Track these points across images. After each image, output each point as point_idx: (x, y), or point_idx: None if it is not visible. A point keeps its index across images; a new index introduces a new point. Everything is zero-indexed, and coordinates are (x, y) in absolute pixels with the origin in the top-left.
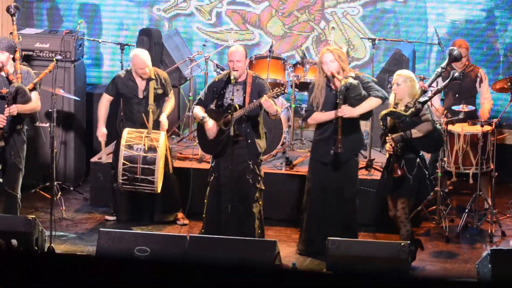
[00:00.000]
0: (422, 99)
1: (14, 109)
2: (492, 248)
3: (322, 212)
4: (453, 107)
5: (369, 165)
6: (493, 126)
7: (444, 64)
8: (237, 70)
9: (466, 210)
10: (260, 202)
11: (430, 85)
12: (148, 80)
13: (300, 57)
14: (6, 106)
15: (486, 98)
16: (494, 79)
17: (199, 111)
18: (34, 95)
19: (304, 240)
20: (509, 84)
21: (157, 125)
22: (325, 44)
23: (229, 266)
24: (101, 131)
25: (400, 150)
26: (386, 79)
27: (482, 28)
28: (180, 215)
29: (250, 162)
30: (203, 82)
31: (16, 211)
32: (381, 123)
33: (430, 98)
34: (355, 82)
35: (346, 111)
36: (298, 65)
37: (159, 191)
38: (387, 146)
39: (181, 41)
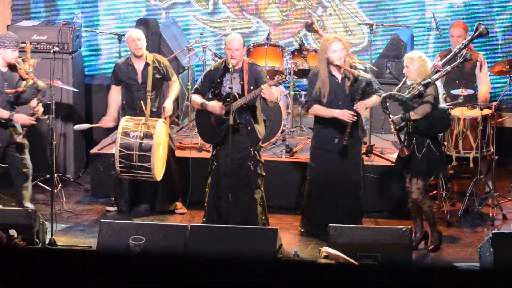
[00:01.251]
0: (424, 82)
1: (41, 108)
2: (493, 231)
3: (330, 200)
4: (452, 91)
5: (369, 151)
6: (493, 110)
7: (466, 41)
8: (235, 59)
9: (467, 194)
10: (262, 188)
11: (444, 65)
12: (146, 64)
13: (298, 44)
14: (34, 107)
15: (485, 83)
16: (492, 62)
17: (197, 98)
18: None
19: (310, 224)
20: (507, 67)
21: (156, 113)
22: (324, 31)
23: (229, 258)
24: (107, 117)
25: (411, 129)
26: (384, 65)
27: (480, 11)
28: (179, 204)
29: (251, 149)
30: (201, 71)
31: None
32: (381, 106)
33: (436, 79)
34: (370, 76)
35: (362, 106)
36: (296, 52)
37: (158, 179)
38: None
39: (179, 31)
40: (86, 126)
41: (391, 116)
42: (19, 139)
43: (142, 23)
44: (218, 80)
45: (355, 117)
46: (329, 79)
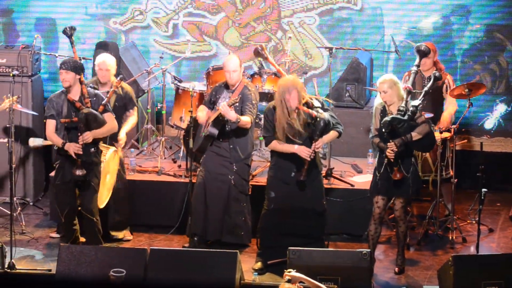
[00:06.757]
0: (414, 103)
1: (88, 136)
2: (453, 254)
3: (290, 230)
4: None
5: (329, 174)
6: (452, 133)
7: (416, 61)
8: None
9: (427, 217)
10: (245, 204)
11: (413, 85)
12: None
13: (257, 67)
14: (79, 134)
15: (451, 104)
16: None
17: (200, 110)
18: (107, 117)
19: (266, 259)
20: (466, 90)
21: (112, 140)
22: (283, 54)
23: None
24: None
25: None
26: (344, 88)
27: (439, 34)
28: (127, 233)
29: (232, 164)
30: (160, 95)
31: (96, 234)
32: (383, 130)
33: (423, 101)
34: (328, 115)
35: (320, 144)
36: (255, 76)
37: (101, 206)
38: (389, 151)
39: (138, 54)
40: (40, 141)
41: (390, 140)
42: None
43: (102, 46)
44: (218, 96)
45: (313, 155)
46: (285, 116)
